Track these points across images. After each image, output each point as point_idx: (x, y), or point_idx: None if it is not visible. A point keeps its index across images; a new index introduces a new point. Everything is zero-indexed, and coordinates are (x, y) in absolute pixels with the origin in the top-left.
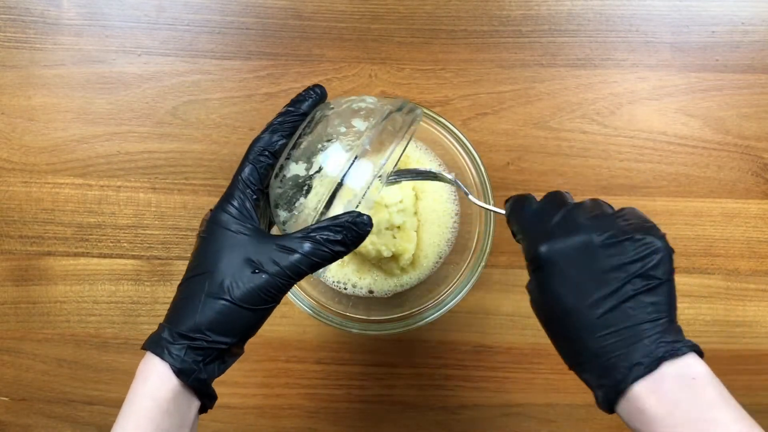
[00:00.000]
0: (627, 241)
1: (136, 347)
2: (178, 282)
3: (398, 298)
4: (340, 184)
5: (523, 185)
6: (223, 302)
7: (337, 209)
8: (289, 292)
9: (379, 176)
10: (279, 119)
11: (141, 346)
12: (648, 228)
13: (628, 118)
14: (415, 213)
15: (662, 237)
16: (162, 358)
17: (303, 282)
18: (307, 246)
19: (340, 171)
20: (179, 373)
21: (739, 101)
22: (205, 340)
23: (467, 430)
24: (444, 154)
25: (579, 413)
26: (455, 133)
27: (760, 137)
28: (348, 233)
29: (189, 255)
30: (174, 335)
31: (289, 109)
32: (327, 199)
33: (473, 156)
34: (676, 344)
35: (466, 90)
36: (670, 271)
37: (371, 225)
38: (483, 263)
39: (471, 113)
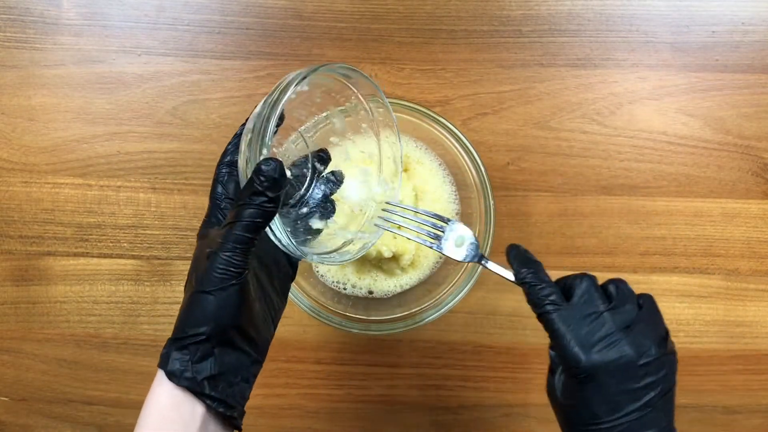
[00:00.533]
0: (657, 362)
1: (136, 347)
2: (178, 282)
3: (398, 298)
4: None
5: (523, 185)
6: (190, 295)
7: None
8: (289, 293)
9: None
10: (234, 140)
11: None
12: (665, 339)
13: (628, 118)
14: None
15: (674, 350)
16: (160, 366)
17: (303, 282)
18: (236, 212)
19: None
20: (170, 375)
21: (739, 101)
22: (184, 336)
23: (467, 430)
24: (444, 154)
25: None
26: (455, 133)
27: (760, 137)
28: (259, 182)
29: (189, 255)
30: (169, 344)
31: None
32: (246, 157)
33: (473, 156)
34: None
35: (466, 90)
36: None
37: (275, 163)
38: None
39: (471, 113)
